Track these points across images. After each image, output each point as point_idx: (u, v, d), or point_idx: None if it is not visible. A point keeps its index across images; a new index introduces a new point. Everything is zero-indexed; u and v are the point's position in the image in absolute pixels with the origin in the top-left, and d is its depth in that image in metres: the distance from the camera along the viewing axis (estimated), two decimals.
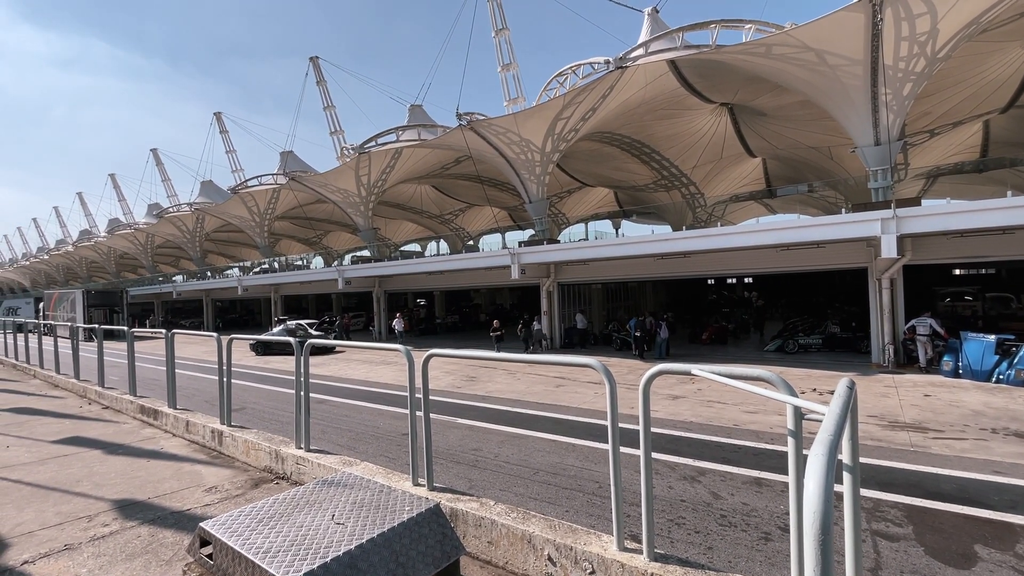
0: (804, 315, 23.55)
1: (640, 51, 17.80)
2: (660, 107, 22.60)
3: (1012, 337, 12.80)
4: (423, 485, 4.34)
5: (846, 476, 1.87)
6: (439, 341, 26.25)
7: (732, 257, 18.29)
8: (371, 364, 18.32)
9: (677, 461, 7.11)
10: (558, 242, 23.80)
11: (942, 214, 13.26)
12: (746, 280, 46.36)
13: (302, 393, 5.60)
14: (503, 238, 43.73)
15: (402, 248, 44.26)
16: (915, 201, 16.31)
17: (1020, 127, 23.07)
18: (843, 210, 18.95)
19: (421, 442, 4.39)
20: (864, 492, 5.91)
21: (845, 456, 1.87)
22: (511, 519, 3.71)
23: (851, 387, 1.66)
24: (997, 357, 12.08)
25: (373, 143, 26.61)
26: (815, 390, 11.94)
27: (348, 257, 43.60)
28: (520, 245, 22.91)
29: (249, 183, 35.57)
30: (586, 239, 26.85)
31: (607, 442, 2.95)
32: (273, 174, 34.31)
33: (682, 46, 17.52)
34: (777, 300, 38.52)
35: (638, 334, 17.89)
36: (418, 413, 4.48)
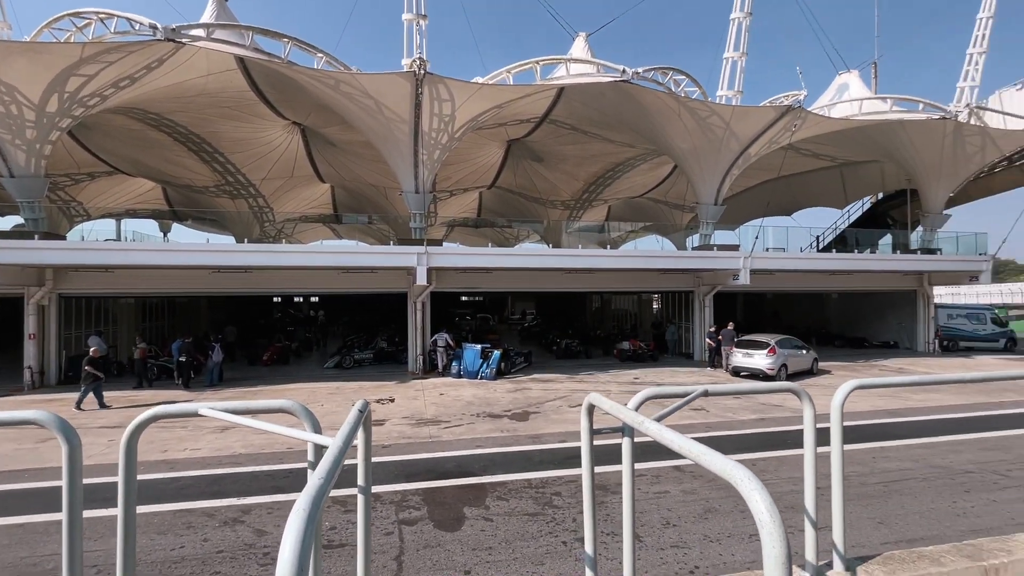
0: (360, 332, 26.10)
1: (201, 32, 15.51)
2: (227, 105, 20.34)
3: (489, 345, 18.23)
4: None
5: (360, 497, 2.00)
6: None
7: (299, 276, 18.33)
8: None
9: (218, 505, 6.26)
10: (63, 238, 17.39)
11: (453, 254, 17.87)
12: (313, 299, 47.54)
13: None
14: None
15: None
16: (439, 242, 21.06)
17: (497, 201, 33.85)
18: (391, 243, 22.32)
19: None
20: (395, 487, 6.87)
21: (360, 479, 2.00)
22: None
23: (363, 410, 1.77)
24: (481, 360, 16.88)
25: None
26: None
27: None
28: None
29: None
30: (117, 239, 20.80)
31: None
32: None
33: (251, 46, 16.49)
34: (341, 318, 41.42)
35: (182, 359, 15.12)
36: None
